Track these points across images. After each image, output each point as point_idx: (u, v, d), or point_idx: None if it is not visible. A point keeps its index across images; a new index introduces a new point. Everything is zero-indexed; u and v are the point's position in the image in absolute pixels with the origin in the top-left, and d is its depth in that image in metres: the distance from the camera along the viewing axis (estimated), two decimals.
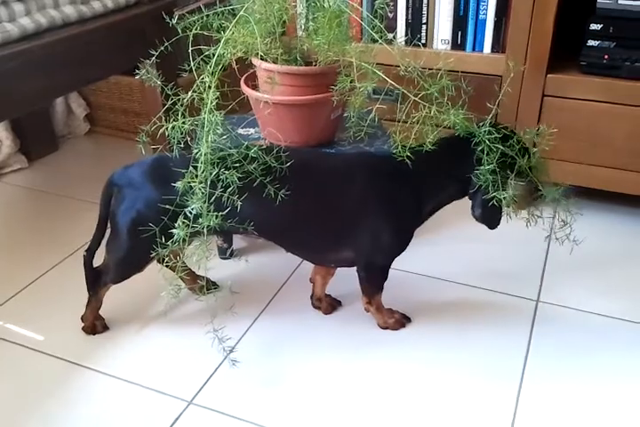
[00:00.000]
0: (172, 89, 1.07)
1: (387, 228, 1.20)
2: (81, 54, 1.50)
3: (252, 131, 1.57)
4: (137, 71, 1.14)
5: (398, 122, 1.10)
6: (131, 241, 1.19)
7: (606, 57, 1.51)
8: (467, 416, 1.15)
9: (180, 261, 1.10)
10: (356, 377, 1.24)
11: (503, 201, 1.10)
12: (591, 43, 1.52)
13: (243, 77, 1.39)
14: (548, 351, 1.30)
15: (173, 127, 1.06)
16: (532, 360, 1.27)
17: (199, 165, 1.06)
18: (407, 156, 1.11)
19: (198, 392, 1.20)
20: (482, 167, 1.10)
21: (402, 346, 1.32)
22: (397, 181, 1.19)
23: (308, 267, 1.57)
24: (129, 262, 1.24)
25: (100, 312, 1.36)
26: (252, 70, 1.40)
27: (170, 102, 1.08)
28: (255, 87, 1.38)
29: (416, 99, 1.06)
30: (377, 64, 1.11)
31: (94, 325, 1.35)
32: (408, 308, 1.40)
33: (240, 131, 1.58)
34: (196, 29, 1.13)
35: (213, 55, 1.06)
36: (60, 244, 1.66)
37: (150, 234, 1.11)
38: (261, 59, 1.34)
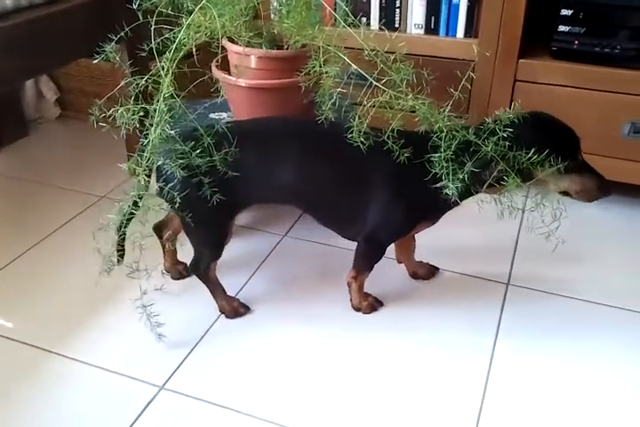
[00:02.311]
0: (133, 71, 1.05)
1: (397, 207, 1.21)
2: (48, 36, 1.47)
3: (224, 115, 1.56)
4: (95, 55, 1.11)
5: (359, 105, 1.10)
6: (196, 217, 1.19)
7: (577, 42, 1.52)
8: (437, 395, 1.17)
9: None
10: (329, 360, 1.25)
11: (454, 190, 1.08)
12: (562, 28, 1.53)
13: (213, 61, 1.38)
14: (517, 333, 1.32)
15: (122, 112, 1.04)
16: (502, 342, 1.29)
17: (144, 154, 1.06)
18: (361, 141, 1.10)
19: (170, 377, 1.20)
20: (437, 154, 1.08)
21: (375, 328, 1.33)
22: (415, 163, 1.15)
23: (282, 250, 1.58)
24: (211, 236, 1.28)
25: (68, 299, 1.36)
26: (222, 54, 1.38)
27: (120, 85, 1.06)
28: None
29: (377, 83, 1.05)
30: (347, 48, 1.10)
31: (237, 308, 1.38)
32: (380, 290, 1.41)
33: (212, 115, 1.57)
34: (162, 10, 1.10)
35: (174, 39, 1.04)
36: (30, 230, 1.64)
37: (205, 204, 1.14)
38: (232, 42, 1.33)
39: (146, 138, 1.07)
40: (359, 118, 1.07)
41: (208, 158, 1.10)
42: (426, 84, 1.08)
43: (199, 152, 1.10)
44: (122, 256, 1.29)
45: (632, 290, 1.44)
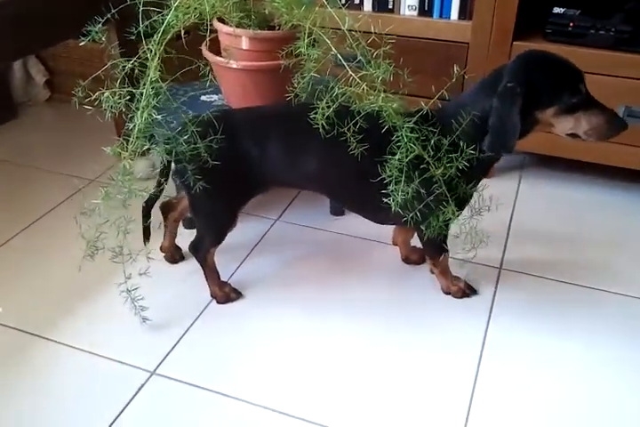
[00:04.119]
0: (122, 53, 1.03)
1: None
2: (33, 16, 1.44)
3: (215, 97, 1.54)
4: (82, 37, 1.08)
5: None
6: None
7: (571, 24, 1.50)
8: (429, 381, 1.17)
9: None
10: (321, 346, 1.25)
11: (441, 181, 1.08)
12: (557, 10, 1.51)
13: (204, 42, 1.36)
14: (509, 317, 1.32)
15: (108, 96, 1.03)
16: (494, 326, 1.29)
17: (131, 138, 1.05)
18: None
19: (161, 362, 1.20)
20: (396, 157, 1.06)
21: (367, 312, 1.33)
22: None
23: (274, 235, 1.57)
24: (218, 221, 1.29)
25: (58, 284, 1.35)
26: (212, 36, 1.36)
27: (104, 67, 1.04)
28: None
29: (353, 74, 1.02)
30: (336, 29, 1.08)
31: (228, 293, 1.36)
32: (372, 275, 1.41)
33: (203, 98, 1.55)
34: None
35: (163, 21, 1.02)
36: (18, 215, 1.63)
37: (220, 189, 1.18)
38: (223, 22, 1.30)
39: (131, 122, 1.05)
40: (327, 102, 1.04)
41: (203, 144, 1.09)
42: (403, 85, 1.05)
43: (213, 138, 1.11)
44: (148, 238, 1.32)
45: (626, 275, 1.44)
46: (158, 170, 1.27)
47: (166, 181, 1.30)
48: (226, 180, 1.20)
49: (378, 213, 1.26)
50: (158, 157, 1.13)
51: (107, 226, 1.10)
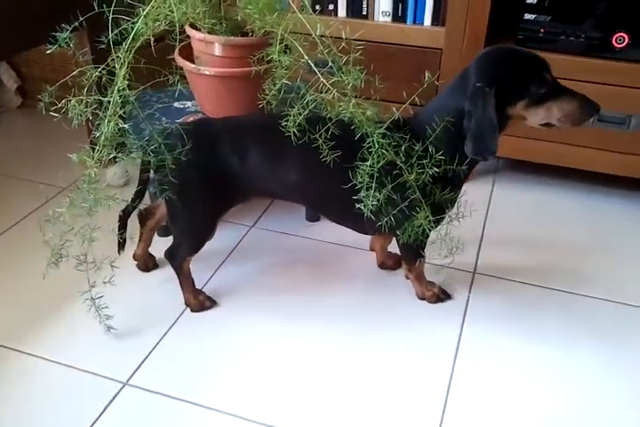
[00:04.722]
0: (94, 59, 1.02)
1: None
2: (5, 19, 1.42)
3: (188, 104, 1.53)
4: (48, 44, 1.07)
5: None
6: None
7: (542, 30, 1.52)
8: (403, 390, 1.17)
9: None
10: (296, 353, 1.24)
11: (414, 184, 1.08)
12: (528, 16, 1.53)
13: (177, 48, 1.35)
14: (482, 320, 1.32)
15: (75, 104, 1.02)
16: (467, 330, 1.30)
17: (97, 147, 1.04)
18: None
19: (134, 373, 1.18)
20: (367, 163, 1.06)
21: (342, 317, 1.32)
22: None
23: (250, 242, 1.56)
24: (197, 229, 1.27)
25: (29, 296, 1.33)
26: (184, 42, 1.35)
27: (71, 74, 1.03)
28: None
29: (324, 81, 1.02)
30: (308, 35, 1.08)
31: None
32: (348, 280, 1.41)
33: (176, 104, 1.53)
34: None
35: (132, 29, 1.01)
36: None
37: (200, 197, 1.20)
38: (195, 29, 1.30)
39: (98, 130, 1.04)
40: (299, 109, 1.04)
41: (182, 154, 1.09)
42: (375, 91, 1.04)
43: (191, 147, 1.11)
44: (122, 247, 1.32)
45: (597, 278, 1.46)
46: (134, 178, 1.27)
47: (145, 190, 1.28)
48: (205, 189, 1.19)
49: (358, 222, 1.25)
50: (130, 165, 1.12)
51: (72, 234, 1.08)
